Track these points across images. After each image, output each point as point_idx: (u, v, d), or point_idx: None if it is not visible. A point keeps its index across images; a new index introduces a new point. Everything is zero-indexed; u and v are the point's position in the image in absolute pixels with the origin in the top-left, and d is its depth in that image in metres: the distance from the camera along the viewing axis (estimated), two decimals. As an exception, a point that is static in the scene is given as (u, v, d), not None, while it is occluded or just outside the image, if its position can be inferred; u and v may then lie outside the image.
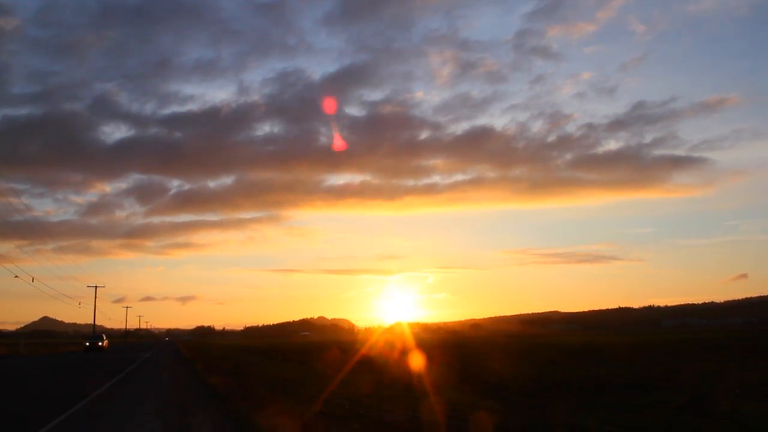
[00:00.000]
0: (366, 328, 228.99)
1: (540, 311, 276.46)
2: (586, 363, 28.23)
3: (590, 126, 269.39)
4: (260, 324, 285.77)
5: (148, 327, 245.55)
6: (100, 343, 63.70)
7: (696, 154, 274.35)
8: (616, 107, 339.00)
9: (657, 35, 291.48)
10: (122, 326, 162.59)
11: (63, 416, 12.22)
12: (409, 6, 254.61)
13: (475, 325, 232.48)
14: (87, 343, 63.64)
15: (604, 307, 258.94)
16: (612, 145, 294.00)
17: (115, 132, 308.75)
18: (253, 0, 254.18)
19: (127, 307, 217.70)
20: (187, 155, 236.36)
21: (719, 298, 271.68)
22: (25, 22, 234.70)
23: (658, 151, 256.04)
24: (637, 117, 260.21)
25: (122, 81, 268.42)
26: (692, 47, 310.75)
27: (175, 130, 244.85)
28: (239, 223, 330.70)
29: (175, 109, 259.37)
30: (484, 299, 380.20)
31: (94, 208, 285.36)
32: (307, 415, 11.02)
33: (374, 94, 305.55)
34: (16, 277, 59.49)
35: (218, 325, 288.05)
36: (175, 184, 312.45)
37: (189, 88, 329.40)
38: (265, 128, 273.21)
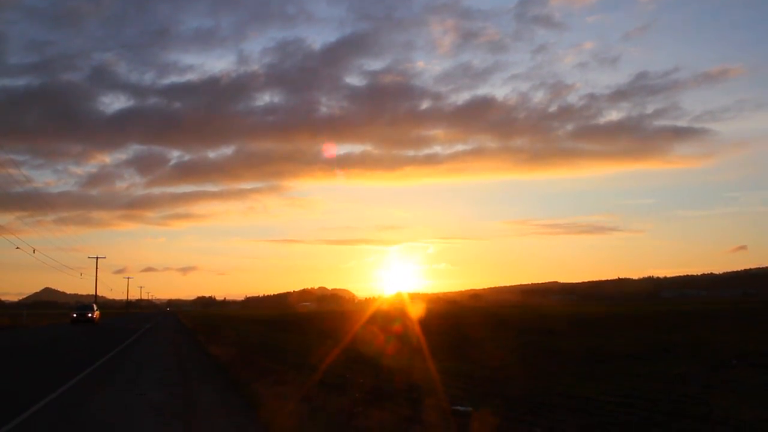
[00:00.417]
0: (366, 299, 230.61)
1: (540, 282, 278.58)
2: (586, 333, 28.44)
3: (592, 96, 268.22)
4: (261, 294, 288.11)
5: (150, 298, 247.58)
6: (89, 315, 55.65)
7: (698, 125, 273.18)
8: (618, 77, 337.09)
9: (660, 4, 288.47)
10: (124, 297, 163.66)
11: (72, 382, 12.36)
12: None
13: (475, 296, 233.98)
14: (74, 315, 55.98)
15: (603, 278, 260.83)
16: (613, 115, 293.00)
17: (114, 102, 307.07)
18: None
19: (128, 278, 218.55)
20: (186, 126, 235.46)
21: (718, 269, 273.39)
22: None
23: (660, 122, 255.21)
24: (639, 87, 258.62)
25: (121, 51, 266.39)
26: (696, 17, 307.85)
27: (174, 101, 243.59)
28: (239, 194, 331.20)
29: (174, 79, 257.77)
30: (484, 270, 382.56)
31: (94, 180, 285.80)
32: (307, 385, 11.13)
33: (375, 64, 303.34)
34: (17, 248, 59.21)
35: (219, 296, 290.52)
36: (175, 155, 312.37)
37: (188, 58, 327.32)
38: (265, 98, 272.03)
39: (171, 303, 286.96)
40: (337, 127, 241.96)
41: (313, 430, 7.24)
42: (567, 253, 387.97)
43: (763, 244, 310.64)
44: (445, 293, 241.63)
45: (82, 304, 70.67)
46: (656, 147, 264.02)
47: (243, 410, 9.51)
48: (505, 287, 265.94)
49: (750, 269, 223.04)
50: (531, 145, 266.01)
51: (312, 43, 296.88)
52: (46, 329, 44.35)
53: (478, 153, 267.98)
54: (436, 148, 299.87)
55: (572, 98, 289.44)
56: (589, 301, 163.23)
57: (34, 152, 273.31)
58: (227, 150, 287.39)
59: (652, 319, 42.23)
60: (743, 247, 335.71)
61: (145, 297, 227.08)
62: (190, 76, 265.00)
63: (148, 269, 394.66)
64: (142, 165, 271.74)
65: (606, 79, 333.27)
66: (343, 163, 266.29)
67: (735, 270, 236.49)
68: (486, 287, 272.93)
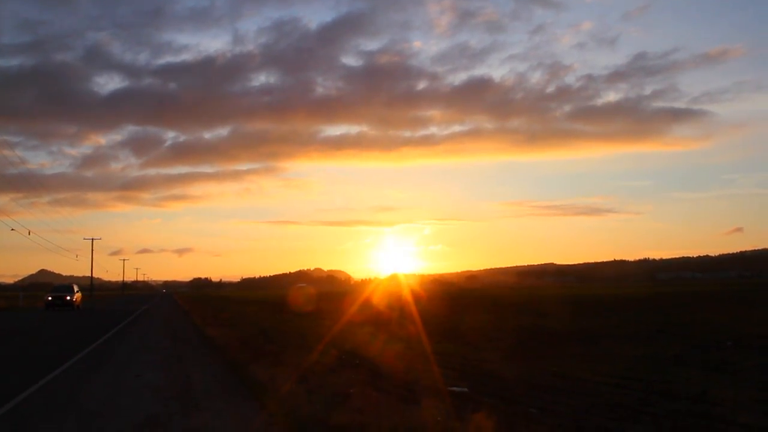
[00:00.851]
0: (362, 280, 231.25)
1: (536, 263, 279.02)
2: (581, 315, 28.63)
3: (590, 77, 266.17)
4: (257, 276, 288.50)
5: (146, 279, 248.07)
6: (68, 297, 45.66)
7: (696, 107, 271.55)
8: (617, 58, 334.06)
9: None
10: (119, 279, 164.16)
11: (69, 363, 12.41)
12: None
13: (471, 277, 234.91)
14: (48, 297, 45.89)
15: (599, 260, 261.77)
16: (611, 96, 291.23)
17: (108, 83, 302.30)
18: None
19: (124, 260, 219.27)
20: (182, 106, 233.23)
21: (714, 251, 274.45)
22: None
23: (658, 104, 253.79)
24: (637, 68, 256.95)
25: (115, 30, 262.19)
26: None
27: (169, 81, 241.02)
28: (235, 175, 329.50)
29: (169, 59, 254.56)
30: (480, 251, 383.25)
31: (89, 161, 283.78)
32: (304, 366, 11.19)
33: (371, 44, 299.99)
34: (12, 230, 59.09)
35: (215, 277, 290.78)
36: (170, 136, 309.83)
37: (183, 38, 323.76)
38: (261, 78, 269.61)
39: (167, 284, 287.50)
40: (333, 107, 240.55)
41: (309, 410, 7.30)
42: (563, 234, 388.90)
43: (759, 227, 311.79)
44: (441, 275, 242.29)
45: (60, 284, 57.59)
46: (654, 129, 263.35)
47: (240, 391, 9.57)
48: (501, 269, 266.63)
49: (746, 251, 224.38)
50: (528, 126, 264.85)
51: (308, 22, 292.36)
52: (43, 311, 44.42)
53: (474, 134, 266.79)
54: (433, 129, 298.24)
55: (570, 79, 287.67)
56: (585, 283, 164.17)
57: (28, 133, 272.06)
58: (223, 131, 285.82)
59: (647, 300, 42.52)
60: (739, 230, 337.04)
61: (141, 279, 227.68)
62: (186, 56, 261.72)
63: (144, 251, 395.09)
64: (138, 146, 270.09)
65: (604, 60, 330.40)
66: (340, 143, 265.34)
67: (731, 252, 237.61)
68: (482, 269, 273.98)
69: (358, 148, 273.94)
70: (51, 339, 20.15)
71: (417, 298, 45.47)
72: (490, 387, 9.98)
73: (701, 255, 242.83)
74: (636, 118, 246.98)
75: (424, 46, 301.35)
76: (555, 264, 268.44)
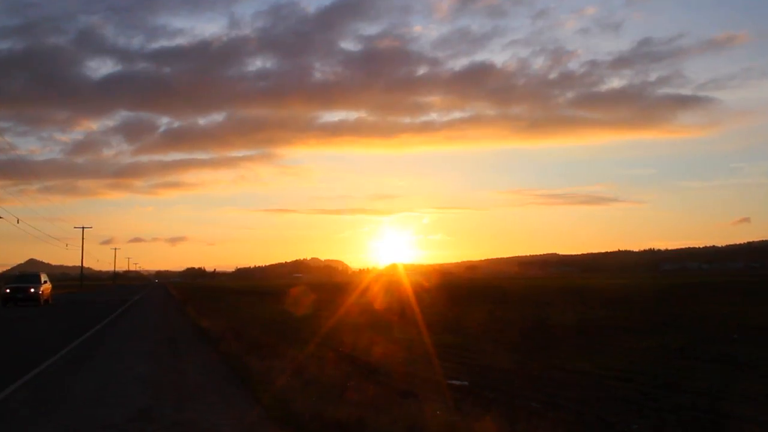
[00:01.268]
0: (360, 270, 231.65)
1: (538, 253, 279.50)
2: (584, 306, 28.69)
3: (593, 63, 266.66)
4: (252, 265, 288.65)
5: (137, 269, 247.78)
6: (32, 290, 36.73)
7: (702, 94, 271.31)
8: (621, 44, 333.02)
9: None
10: (111, 268, 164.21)
11: (59, 355, 12.40)
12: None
13: (471, 267, 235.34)
14: (6, 290, 37.02)
15: (603, 250, 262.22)
16: (615, 83, 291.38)
17: (101, 67, 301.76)
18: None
19: (115, 249, 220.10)
20: (176, 91, 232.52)
21: (721, 242, 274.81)
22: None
23: (663, 90, 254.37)
24: (642, 54, 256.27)
25: (108, 13, 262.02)
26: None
27: (163, 66, 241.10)
28: (231, 162, 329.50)
29: (163, 43, 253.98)
30: (480, 241, 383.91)
31: (80, 147, 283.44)
32: (299, 358, 11.21)
33: (371, 28, 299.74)
34: (0, 218, 58.79)
35: (209, 267, 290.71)
36: (164, 122, 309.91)
37: (178, 22, 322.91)
38: (257, 63, 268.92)
39: (159, 274, 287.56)
40: (331, 93, 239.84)
41: (304, 403, 7.31)
42: (565, 224, 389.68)
43: (766, 216, 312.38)
44: (440, 264, 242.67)
45: (25, 273, 50.48)
46: (659, 116, 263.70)
47: (234, 384, 9.58)
48: (502, 259, 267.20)
49: (753, 242, 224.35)
50: (530, 113, 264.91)
51: (306, 6, 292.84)
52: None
53: (475, 120, 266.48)
54: (433, 116, 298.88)
55: (573, 65, 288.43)
56: (588, 274, 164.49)
57: (18, 119, 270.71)
58: (218, 117, 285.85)
59: (652, 292, 42.62)
60: (746, 219, 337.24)
61: (132, 268, 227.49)
62: (180, 41, 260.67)
63: (136, 240, 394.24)
64: (130, 132, 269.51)
65: (608, 46, 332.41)
66: (337, 130, 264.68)
67: (738, 243, 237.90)
68: (482, 259, 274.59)
69: (356, 134, 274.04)
70: (46, 329, 20.07)
71: (416, 288, 45.53)
72: (492, 380, 10.00)
73: (707, 245, 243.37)
74: (640, 104, 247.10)
75: (425, 30, 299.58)
76: (557, 254, 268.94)
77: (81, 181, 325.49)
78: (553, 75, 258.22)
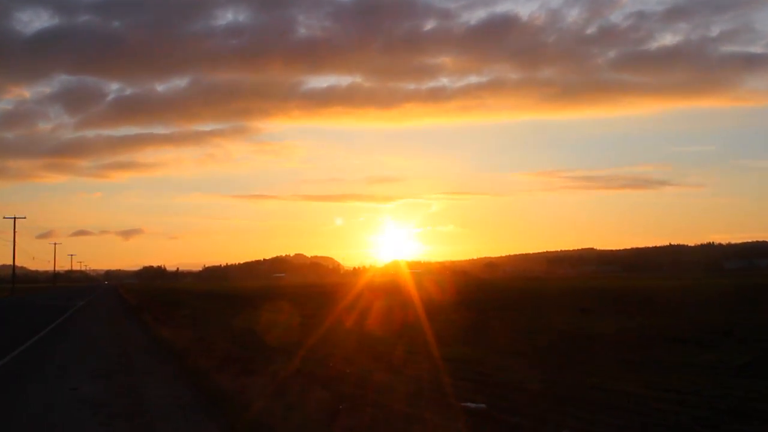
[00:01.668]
0: (355, 269, 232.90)
1: (571, 248, 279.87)
2: (627, 313, 28.77)
3: (641, 15, 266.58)
4: (223, 264, 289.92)
5: (83, 268, 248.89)
6: None
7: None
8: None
9: None
10: (50, 268, 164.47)
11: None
12: None
13: (490, 265, 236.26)
14: None
15: (651, 245, 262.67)
16: (668, 39, 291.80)
17: (34, 20, 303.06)
18: None
19: (55, 244, 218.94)
20: (128, 51, 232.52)
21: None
22: None
23: (728, 48, 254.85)
24: (701, 3, 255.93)
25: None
26: None
27: (112, 19, 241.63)
28: (196, 137, 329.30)
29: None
30: (501, 233, 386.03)
31: (9, 119, 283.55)
32: (281, 375, 11.26)
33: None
34: None
35: (171, 266, 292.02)
36: (113, 88, 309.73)
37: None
38: (228, 16, 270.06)
39: (110, 274, 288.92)
40: (318, 53, 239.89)
41: (287, 431, 7.36)
42: (606, 212, 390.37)
43: None
44: (452, 262, 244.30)
45: None
46: (722, 79, 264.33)
47: (201, 408, 9.62)
48: (528, 255, 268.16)
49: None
50: (562, 77, 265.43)
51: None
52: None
53: (495, 87, 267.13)
54: (443, 81, 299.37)
55: (616, 17, 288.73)
56: (633, 274, 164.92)
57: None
58: (180, 82, 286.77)
59: (711, 295, 42.73)
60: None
61: (76, 267, 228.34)
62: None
63: (81, 233, 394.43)
64: (72, 101, 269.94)
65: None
66: (327, 99, 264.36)
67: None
68: (503, 255, 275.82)
69: (349, 104, 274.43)
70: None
71: (422, 290, 45.66)
72: (514, 402, 10.04)
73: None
74: (699, 66, 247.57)
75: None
76: (595, 249, 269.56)
77: (11, 161, 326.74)
78: (591, 30, 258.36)
